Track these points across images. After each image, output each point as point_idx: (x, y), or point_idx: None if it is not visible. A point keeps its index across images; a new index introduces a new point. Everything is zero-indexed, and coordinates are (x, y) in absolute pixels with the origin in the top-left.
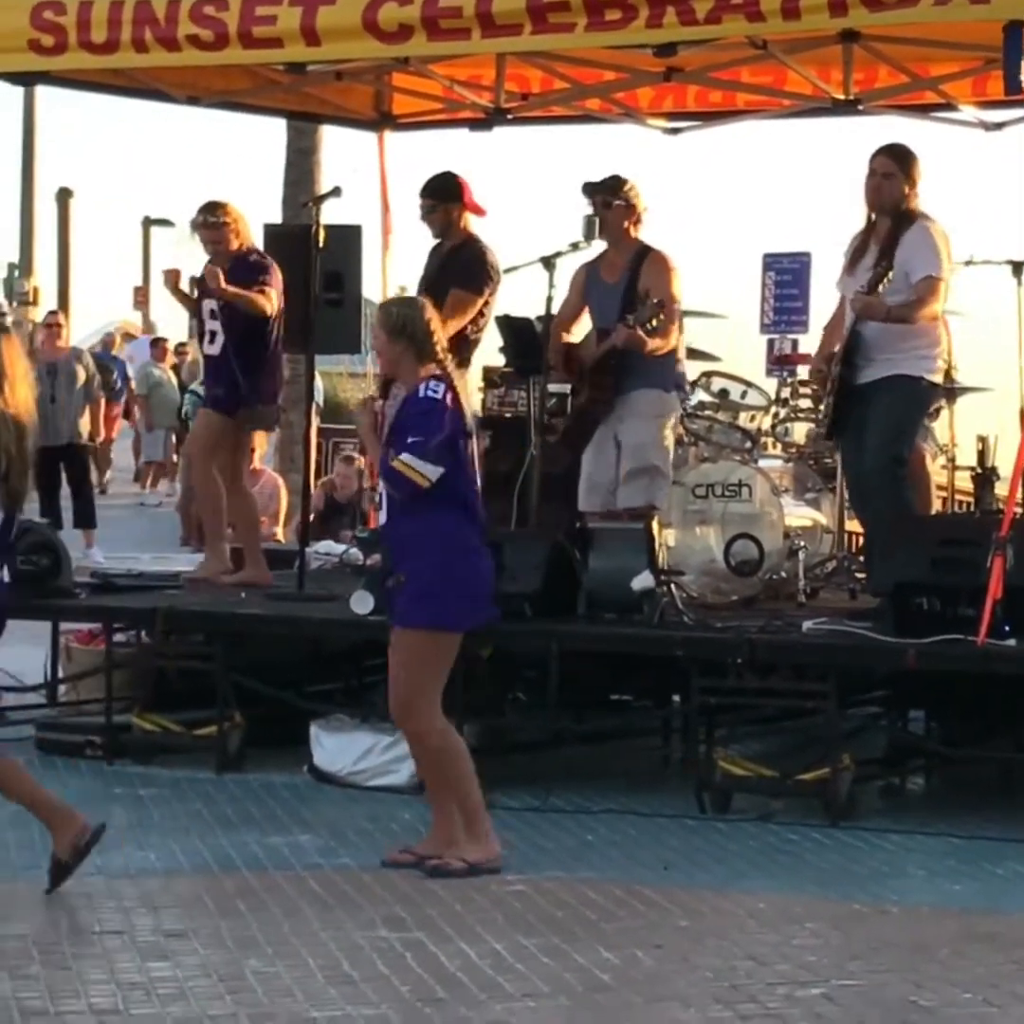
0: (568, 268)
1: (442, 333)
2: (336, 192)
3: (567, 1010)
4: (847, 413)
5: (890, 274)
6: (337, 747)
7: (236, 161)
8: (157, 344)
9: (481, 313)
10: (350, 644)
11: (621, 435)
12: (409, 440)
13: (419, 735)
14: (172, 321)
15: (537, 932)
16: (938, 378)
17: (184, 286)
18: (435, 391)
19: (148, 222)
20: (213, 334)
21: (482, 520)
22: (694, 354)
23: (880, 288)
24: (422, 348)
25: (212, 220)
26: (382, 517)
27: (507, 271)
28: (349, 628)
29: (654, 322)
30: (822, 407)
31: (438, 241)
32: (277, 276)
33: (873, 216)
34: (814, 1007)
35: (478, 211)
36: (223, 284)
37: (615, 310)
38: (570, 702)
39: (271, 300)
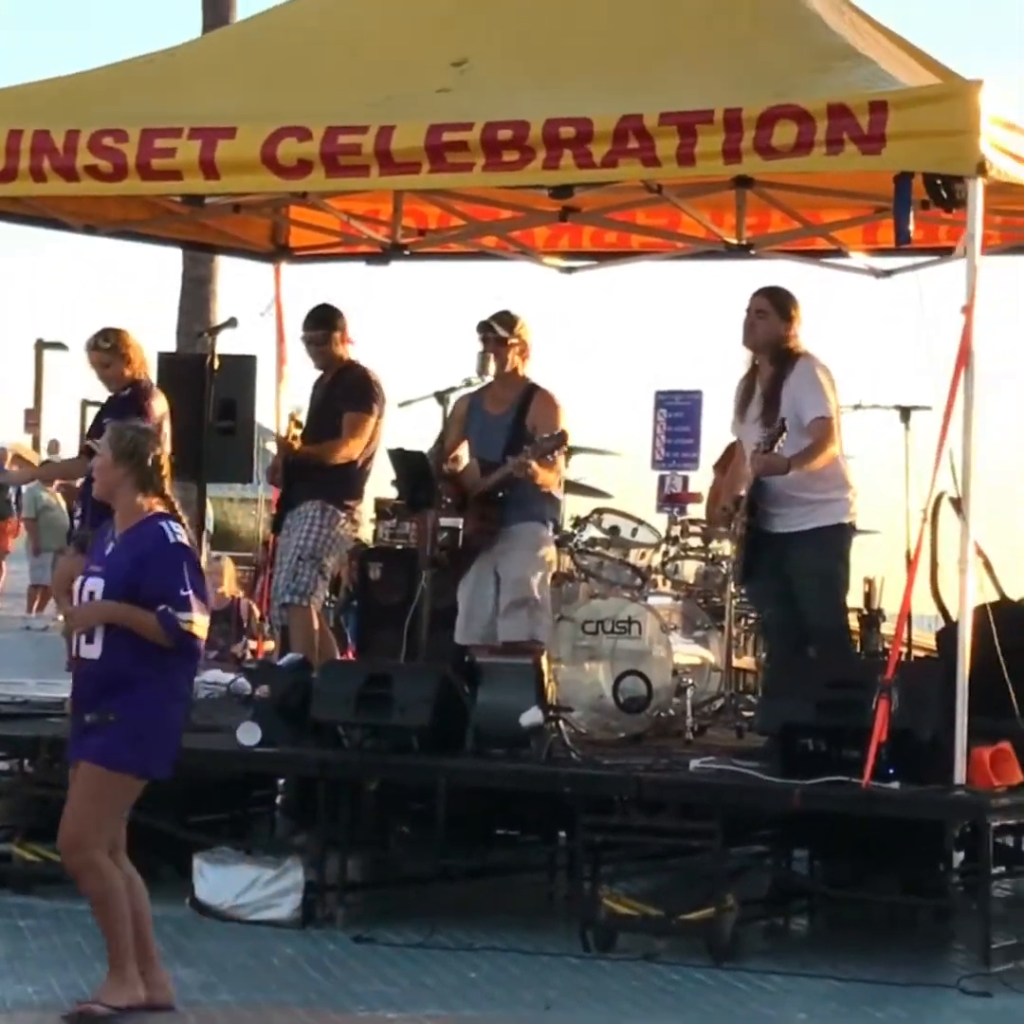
0: None
1: (168, 471)
2: (232, 323)
3: None
4: (759, 559)
5: (784, 433)
6: (220, 880)
7: (131, 287)
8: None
9: (371, 438)
10: (235, 775)
11: (501, 568)
12: (182, 594)
13: (82, 870)
14: (63, 444)
15: None
16: (855, 517)
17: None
18: (178, 534)
19: (41, 345)
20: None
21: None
22: (586, 490)
23: (777, 445)
24: (144, 477)
25: (105, 346)
26: (93, 650)
27: (402, 405)
28: (234, 759)
29: (553, 455)
30: (725, 550)
31: (321, 372)
32: (156, 411)
33: (755, 359)
34: None
35: (348, 341)
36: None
37: (500, 443)
38: (456, 837)
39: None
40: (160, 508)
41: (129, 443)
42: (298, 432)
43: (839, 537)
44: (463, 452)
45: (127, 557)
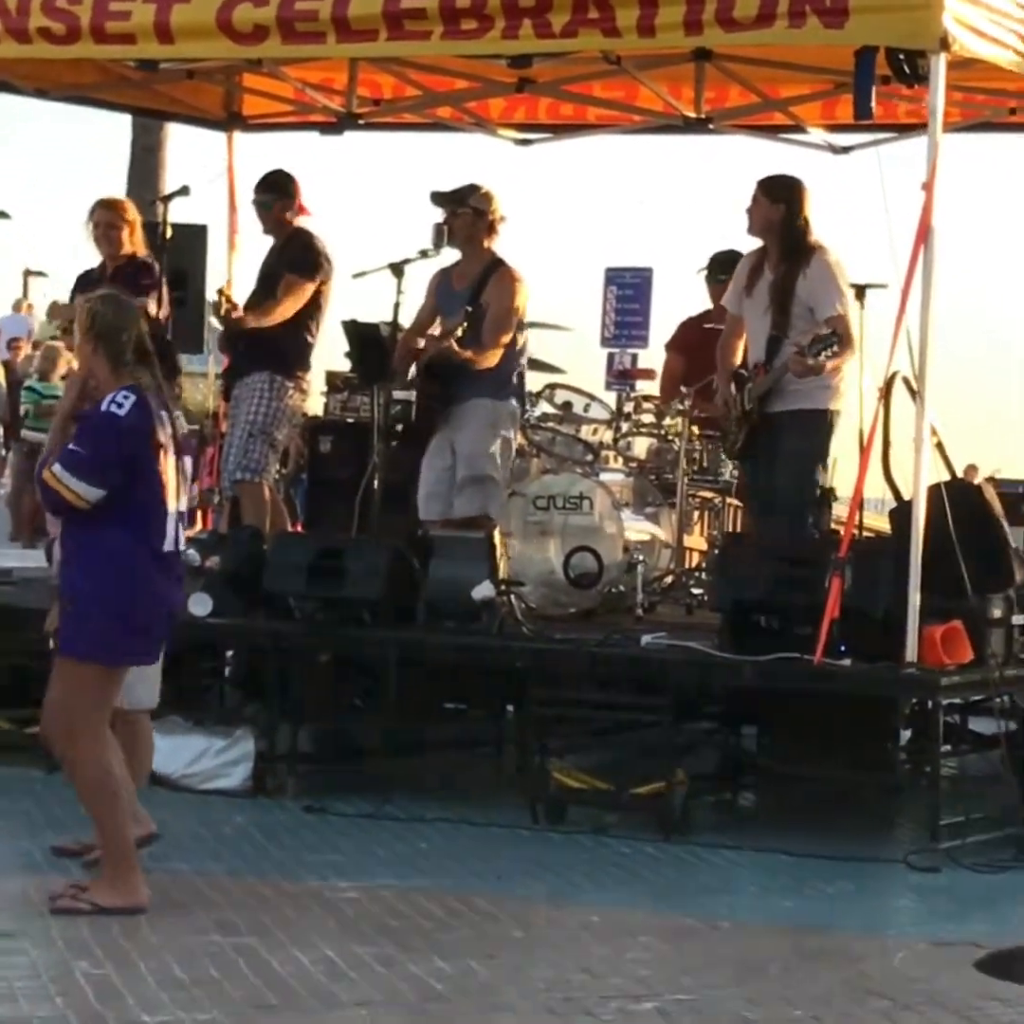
0: (417, 275)
1: (145, 342)
2: (184, 191)
3: (400, 1019)
4: (756, 438)
5: (834, 343)
6: (170, 750)
7: (78, 156)
8: None
9: (318, 306)
10: (183, 646)
11: (456, 444)
12: (69, 448)
13: (75, 764)
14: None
15: (371, 940)
16: (839, 404)
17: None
18: (120, 405)
19: None
20: None
21: (170, 544)
22: (538, 365)
23: (823, 355)
24: (113, 352)
25: (106, 218)
26: (55, 528)
27: (355, 276)
28: (182, 630)
29: (459, 331)
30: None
31: (272, 238)
32: (159, 285)
33: (765, 244)
34: (647, 1021)
35: (305, 211)
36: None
37: (459, 318)
38: (407, 710)
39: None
40: (128, 381)
41: (90, 317)
42: (229, 305)
43: (822, 422)
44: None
45: None
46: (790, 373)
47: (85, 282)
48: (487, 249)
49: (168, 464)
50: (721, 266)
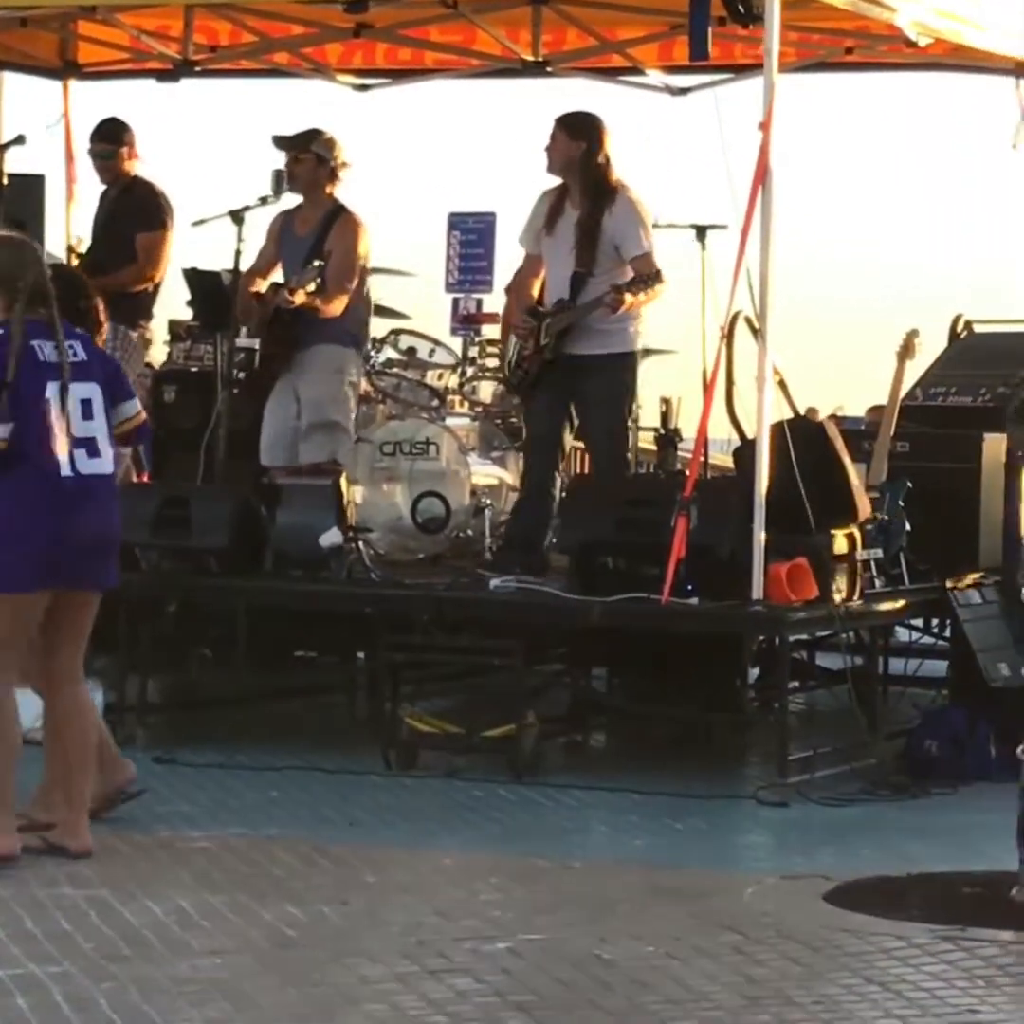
0: (257, 222)
1: (41, 280)
2: (20, 140)
3: (254, 967)
4: (547, 377)
5: (651, 283)
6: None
7: None
8: None
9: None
10: None
11: (301, 390)
12: None
13: None
14: None
15: (223, 889)
16: (641, 344)
17: None
18: None
19: None
20: None
21: (68, 470)
22: (382, 311)
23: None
24: (6, 295)
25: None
26: None
27: (195, 224)
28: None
29: (311, 286)
30: (511, 362)
31: (106, 187)
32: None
33: (566, 182)
34: (500, 962)
35: (136, 157)
36: None
37: (301, 264)
38: (257, 658)
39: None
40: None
41: None
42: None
43: (630, 364)
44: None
45: None
46: (604, 308)
47: None
48: (329, 195)
49: (52, 388)
50: None
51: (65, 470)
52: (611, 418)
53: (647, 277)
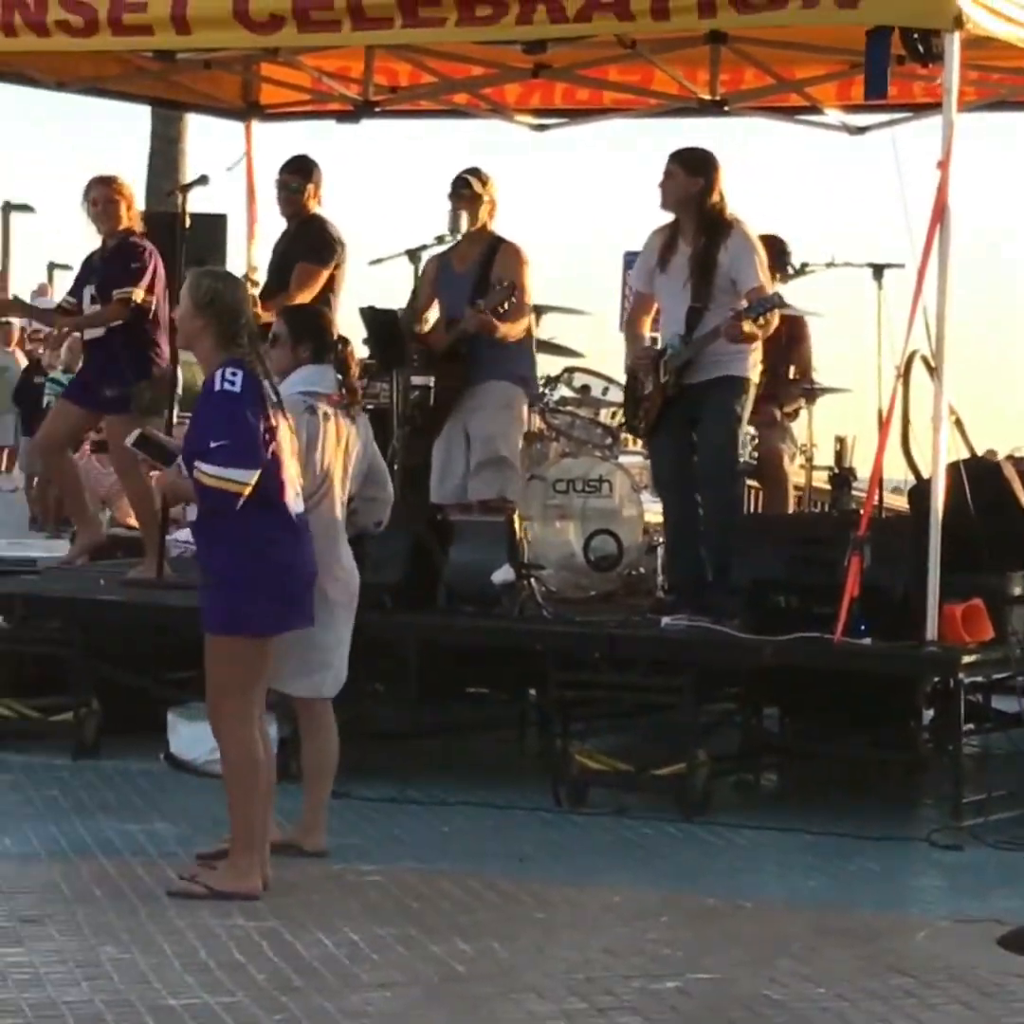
0: None
1: (251, 320)
2: (203, 180)
3: (423, 1000)
4: (669, 413)
5: (771, 306)
6: (193, 735)
7: (101, 148)
8: (1, 328)
9: (333, 292)
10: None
11: (471, 427)
12: (213, 446)
13: (219, 739)
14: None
15: (393, 923)
16: (757, 374)
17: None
18: (232, 382)
19: (8, 206)
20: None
21: (294, 513)
22: (556, 349)
23: (761, 320)
24: (226, 329)
25: (103, 193)
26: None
27: (372, 263)
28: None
29: (505, 306)
30: (640, 407)
31: (286, 224)
32: (154, 261)
33: (678, 219)
34: (668, 1000)
35: (318, 200)
36: (64, 326)
37: (465, 300)
38: (428, 694)
39: (136, 298)
40: (234, 354)
41: (206, 292)
42: (256, 291)
43: (745, 388)
44: (434, 313)
45: (195, 413)
46: (723, 338)
47: (87, 262)
48: (489, 231)
49: (282, 432)
50: None
51: (294, 511)
52: (719, 435)
53: (769, 300)
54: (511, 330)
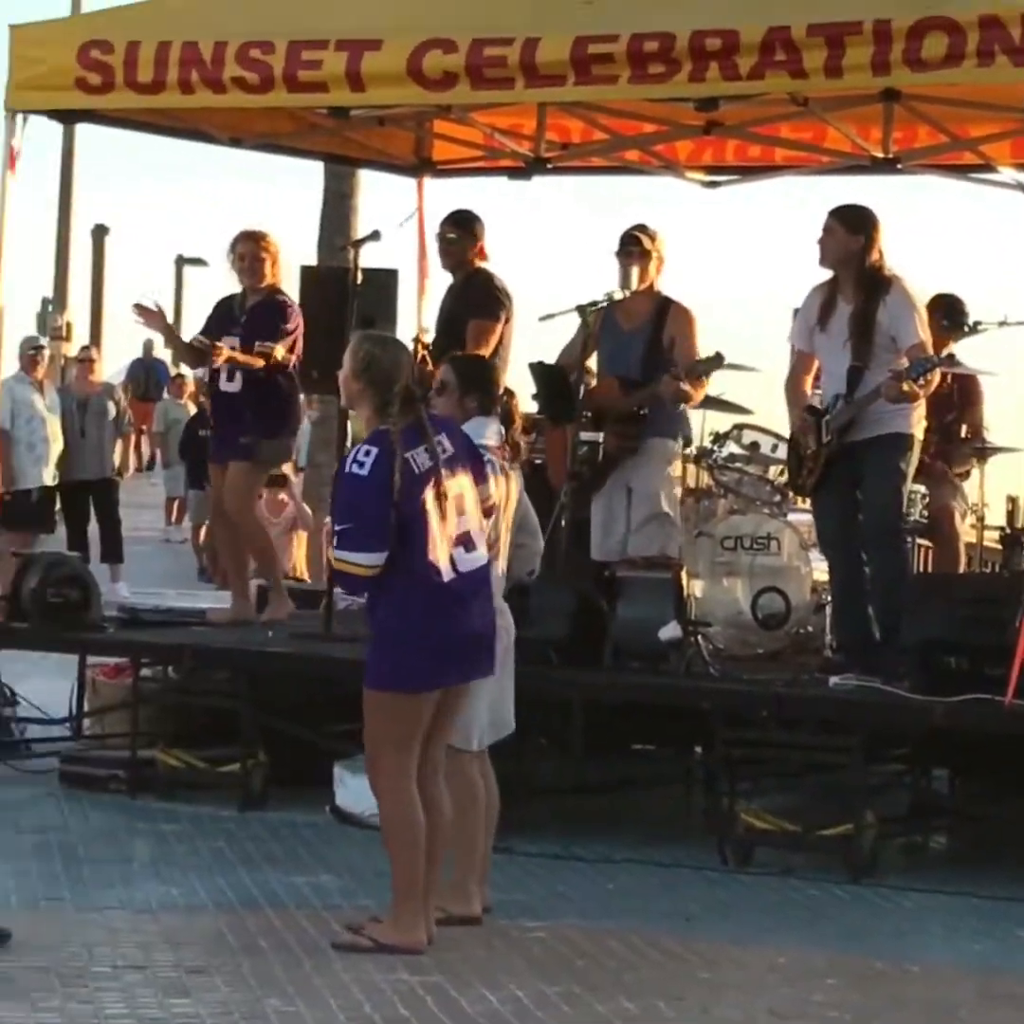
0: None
1: (410, 386)
2: (375, 236)
3: None
4: (832, 473)
5: (932, 366)
6: (360, 788)
7: (271, 202)
8: (176, 381)
9: (501, 346)
10: None
11: (634, 483)
12: (337, 529)
13: (375, 794)
14: None
15: (558, 979)
16: (921, 431)
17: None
18: (361, 463)
19: (181, 260)
20: (232, 371)
21: (450, 573)
22: (725, 406)
23: (921, 380)
24: (380, 397)
25: (250, 248)
26: None
27: (542, 319)
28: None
29: (706, 377)
30: (803, 466)
31: (451, 279)
32: (297, 319)
33: (836, 276)
34: None
35: (484, 256)
36: (223, 355)
37: (633, 359)
38: (593, 749)
39: (277, 355)
40: (382, 425)
41: (364, 358)
42: (424, 352)
43: (908, 445)
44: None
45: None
46: (882, 398)
47: (224, 309)
48: (656, 289)
49: (429, 495)
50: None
51: (447, 575)
52: (883, 494)
53: (929, 361)
54: (696, 397)
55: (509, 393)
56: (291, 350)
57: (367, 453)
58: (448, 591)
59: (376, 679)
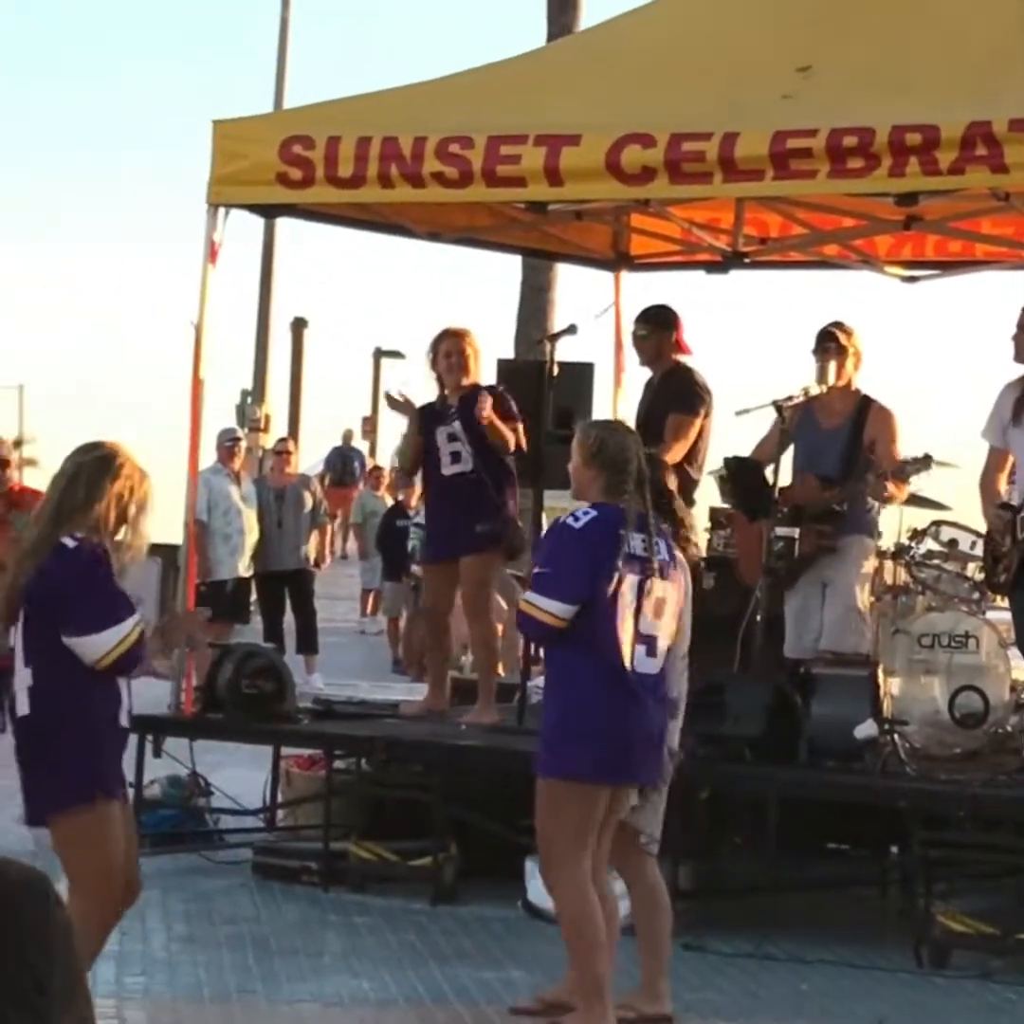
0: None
1: (641, 468)
2: (572, 330)
3: None
4: None
5: None
6: None
7: (468, 296)
8: (373, 473)
9: (701, 442)
10: None
11: (828, 579)
12: (536, 571)
13: (553, 891)
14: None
15: None
16: None
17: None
18: (578, 518)
19: (379, 353)
20: (456, 455)
21: (630, 664)
22: (924, 502)
23: None
24: (613, 478)
25: (456, 345)
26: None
27: (739, 414)
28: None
29: (913, 481)
30: (1001, 562)
31: (650, 374)
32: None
33: None
34: None
35: (685, 349)
36: (491, 416)
37: (832, 457)
38: (788, 848)
39: (521, 438)
40: (612, 502)
41: (594, 443)
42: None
43: None
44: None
45: None
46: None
47: (432, 414)
48: (855, 388)
49: (628, 584)
50: None
51: (627, 664)
52: None
53: None
54: (899, 497)
55: (670, 493)
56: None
57: (586, 512)
58: (628, 683)
59: (554, 767)
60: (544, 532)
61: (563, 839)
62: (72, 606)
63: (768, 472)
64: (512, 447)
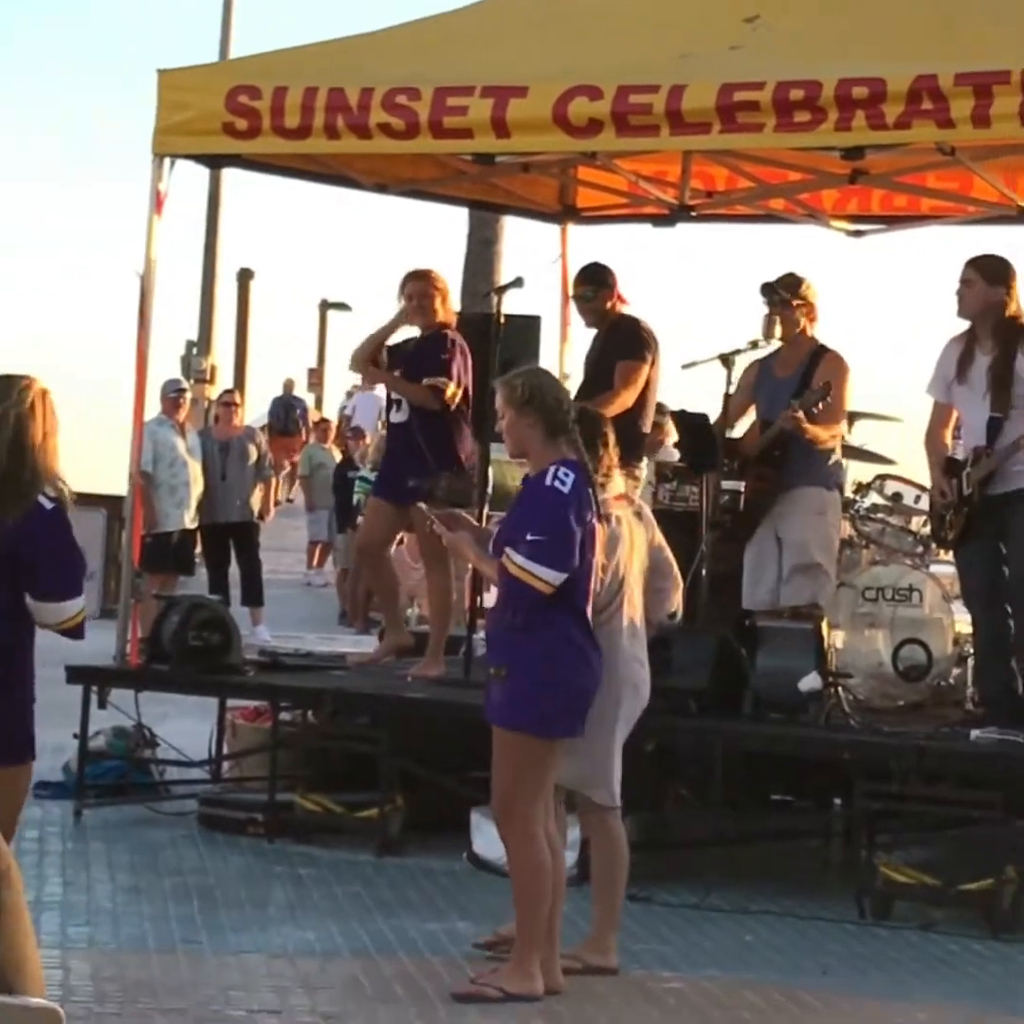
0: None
1: (571, 405)
2: (518, 283)
3: None
4: (974, 526)
5: None
6: (497, 835)
7: (415, 248)
8: (320, 425)
9: (648, 393)
10: None
11: (782, 532)
12: (529, 538)
13: (504, 839)
14: (339, 405)
15: None
16: None
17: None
18: (563, 481)
19: (326, 305)
20: (398, 403)
21: (590, 616)
22: (868, 456)
23: None
24: (552, 420)
25: (420, 287)
26: (489, 599)
27: (685, 367)
28: None
29: (819, 406)
30: (943, 520)
31: (594, 330)
32: (464, 358)
33: (974, 328)
34: None
35: (624, 301)
36: (375, 380)
37: (784, 403)
38: (733, 800)
39: (443, 394)
40: (568, 454)
41: (524, 390)
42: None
43: None
44: (749, 420)
45: (517, 504)
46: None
47: (396, 355)
48: (811, 337)
49: (598, 534)
50: None
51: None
52: None
53: None
54: (820, 434)
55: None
56: (459, 385)
57: (566, 474)
58: (594, 639)
59: (517, 721)
60: (530, 489)
61: (526, 791)
62: (44, 570)
63: (712, 425)
64: (429, 404)
